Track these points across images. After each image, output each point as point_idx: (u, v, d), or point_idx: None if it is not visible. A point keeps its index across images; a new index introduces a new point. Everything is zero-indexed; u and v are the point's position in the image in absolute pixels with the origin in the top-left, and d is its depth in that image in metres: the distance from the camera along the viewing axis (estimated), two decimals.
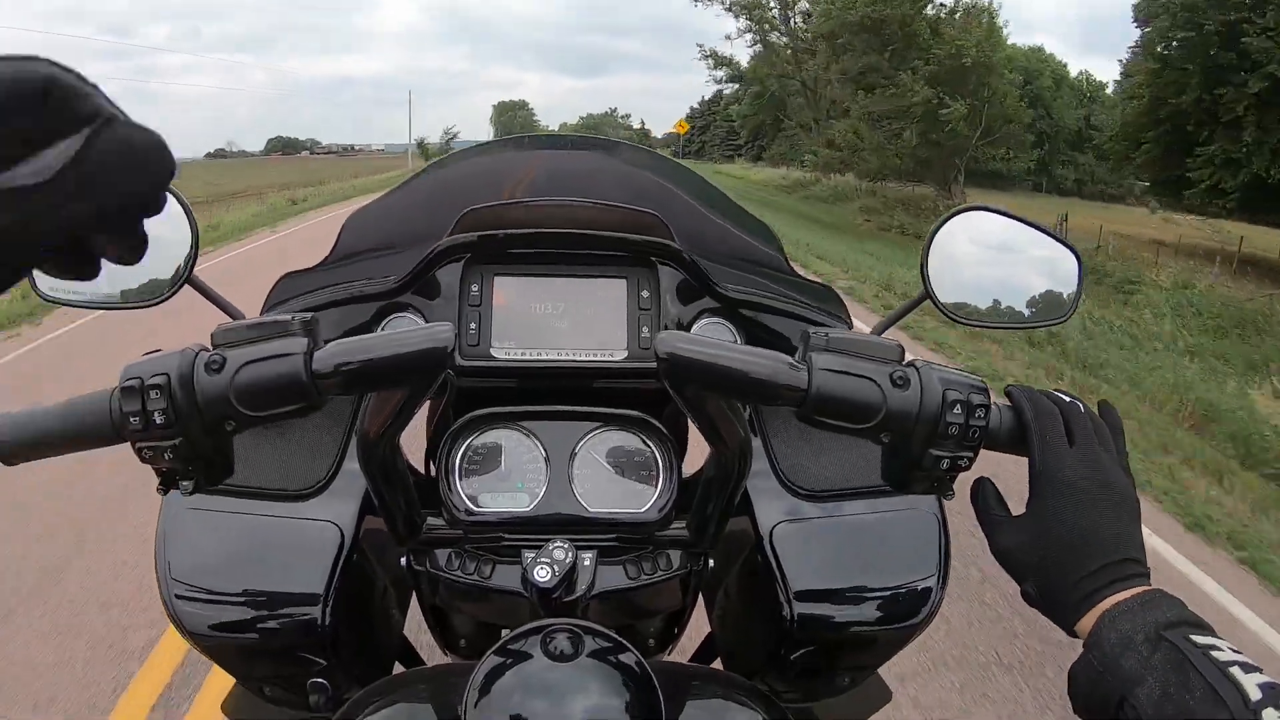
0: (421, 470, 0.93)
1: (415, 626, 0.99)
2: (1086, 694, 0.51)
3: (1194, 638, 0.48)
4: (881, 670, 0.89)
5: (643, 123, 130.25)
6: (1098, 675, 0.50)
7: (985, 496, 0.62)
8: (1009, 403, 0.61)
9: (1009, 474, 0.61)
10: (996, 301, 0.77)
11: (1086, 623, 0.53)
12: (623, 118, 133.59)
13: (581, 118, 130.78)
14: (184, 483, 0.58)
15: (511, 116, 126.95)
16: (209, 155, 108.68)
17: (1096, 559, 0.54)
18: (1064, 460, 0.57)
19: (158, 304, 0.74)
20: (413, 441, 0.78)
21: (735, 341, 0.88)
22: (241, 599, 0.75)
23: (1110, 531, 0.55)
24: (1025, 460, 0.59)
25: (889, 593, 0.80)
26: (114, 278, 0.72)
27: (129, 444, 0.55)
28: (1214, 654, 0.46)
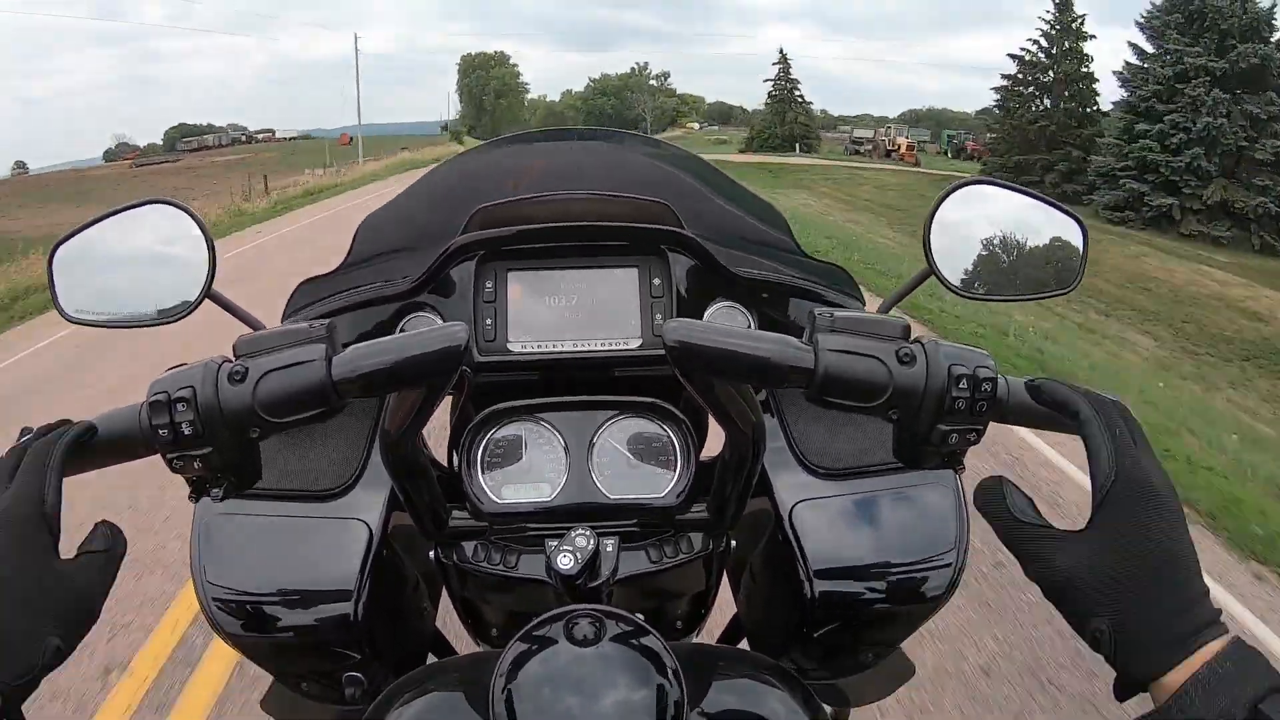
0: (445, 464, 0.95)
1: (447, 618, 1.01)
2: None
3: None
4: (904, 645, 0.89)
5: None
6: None
7: (1009, 503, 0.53)
8: (1030, 390, 0.58)
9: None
10: (1001, 273, 0.77)
11: (1173, 679, 0.45)
12: (656, 77, 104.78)
13: (592, 80, 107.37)
14: (214, 490, 0.60)
15: (482, 77, 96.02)
16: (16, 164, 73.38)
17: (1184, 591, 0.46)
18: (1140, 463, 0.49)
19: (180, 320, 0.76)
20: (438, 434, 0.80)
21: (749, 325, 0.89)
22: (276, 598, 0.77)
23: (1193, 556, 0.47)
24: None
25: (909, 568, 0.81)
26: (137, 296, 0.75)
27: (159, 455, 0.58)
28: None
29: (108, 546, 0.53)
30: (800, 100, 60.66)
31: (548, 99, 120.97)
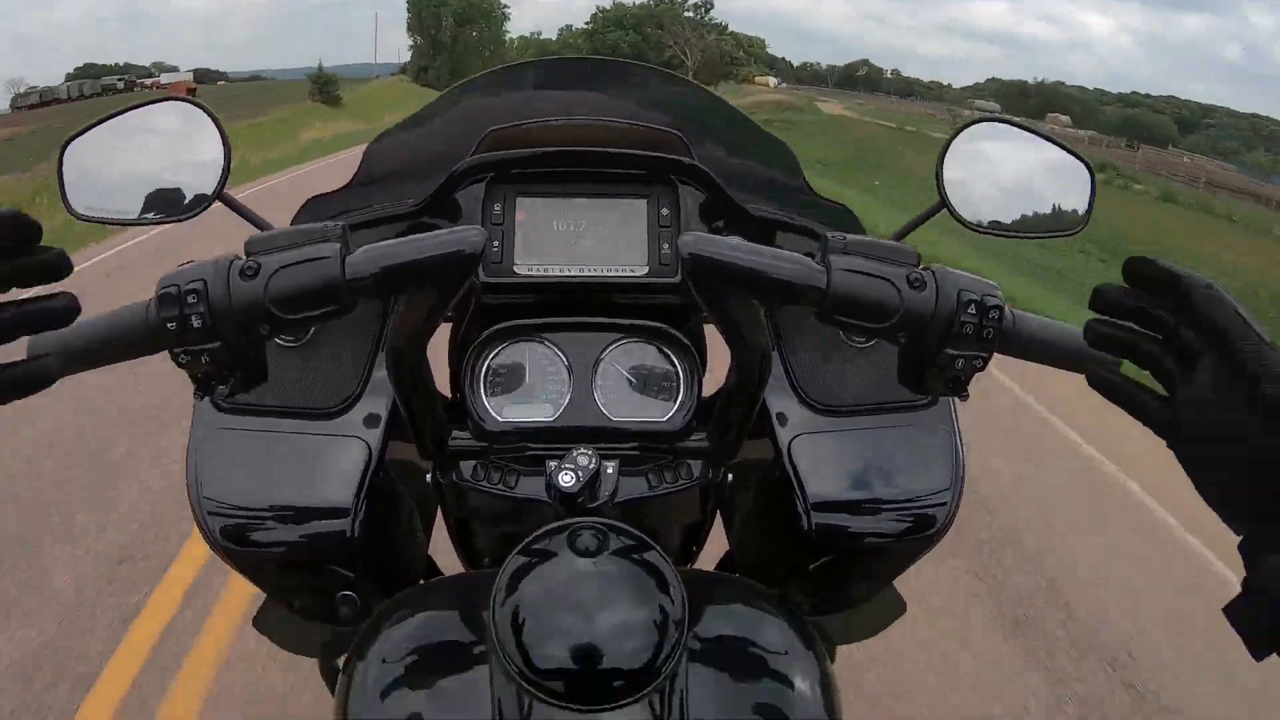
0: (446, 395, 0.96)
1: (439, 549, 1.02)
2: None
3: None
4: (896, 584, 0.91)
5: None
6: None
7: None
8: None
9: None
10: (1011, 211, 0.79)
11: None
12: (694, 5, 79.91)
13: (601, 10, 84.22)
14: (220, 387, 0.60)
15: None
16: None
17: None
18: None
19: (191, 218, 0.76)
20: (438, 368, 0.80)
21: None
22: (271, 514, 0.78)
23: None
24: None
25: (905, 504, 0.82)
26: (148, 194, 0.74)
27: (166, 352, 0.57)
28: None
29: None
30: None
31: (541, 36, 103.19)
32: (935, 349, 0.60)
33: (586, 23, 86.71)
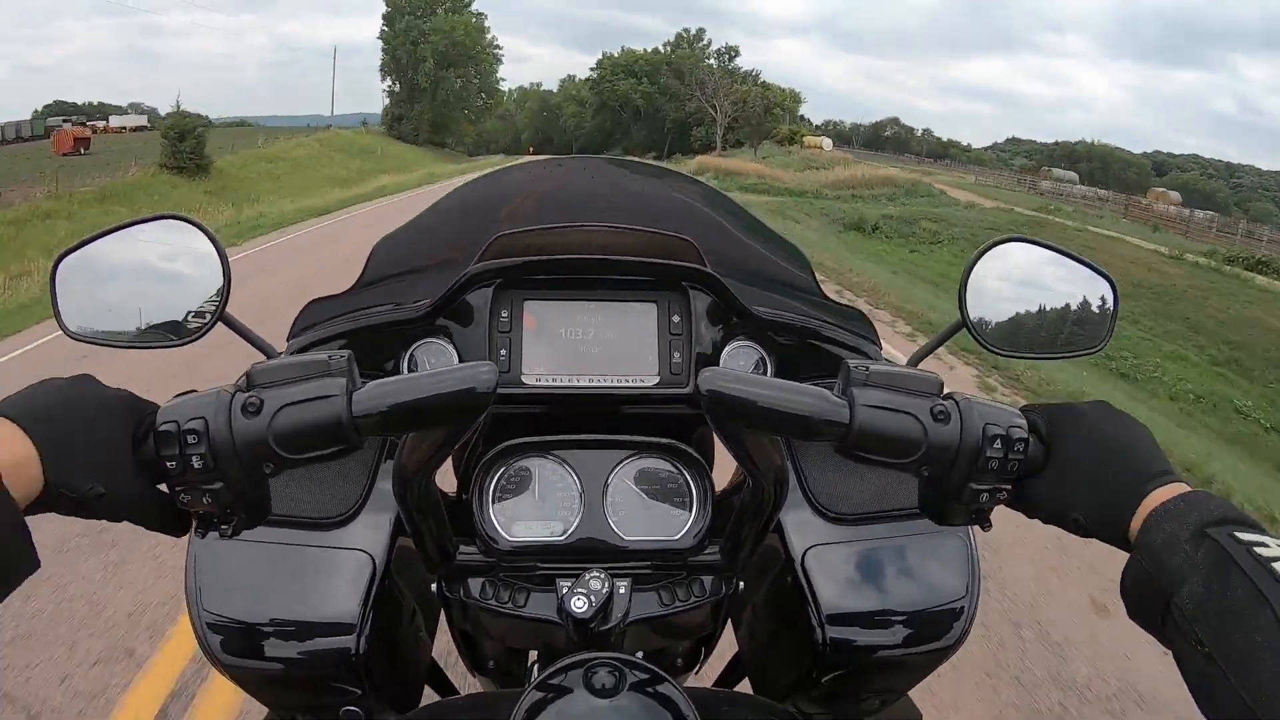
0: (451, 492, 0.93)
1: (442, 648, 0.99)
2: (1136, 596, 0.51)
3: (1238, 535, 0.47)
4: (911, 693, 0.89)
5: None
6: (1145, 576, 0.50)
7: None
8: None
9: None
10: (1032, 329, 0.77)
11: (1135, 525, 0.53)
12: (719, 53, 68.57)
13: (609, 56, 71.73)
14: (222, 526, 0.57)
15: (414, 28, 57.04)
16: None
17: (1130, 469, 0.55)
18: (1074, 409, 0.60)
19: (191, 342, 0.73)
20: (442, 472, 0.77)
21: (766, 365, 0.89)
22: (273, 629, 0.75)
23: (1136, 449, 0.56)
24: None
25: (920, 615, 0.80)
26: (144, 314, 0.72)
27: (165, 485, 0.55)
28: (1258, 550, 0.45)
29: None
30: None
31: (542, 88, 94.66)
32: (960, 484, 0.59)
33: (592, 69, 76.25)
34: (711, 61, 67.22)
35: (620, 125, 68.17)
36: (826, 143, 60.52)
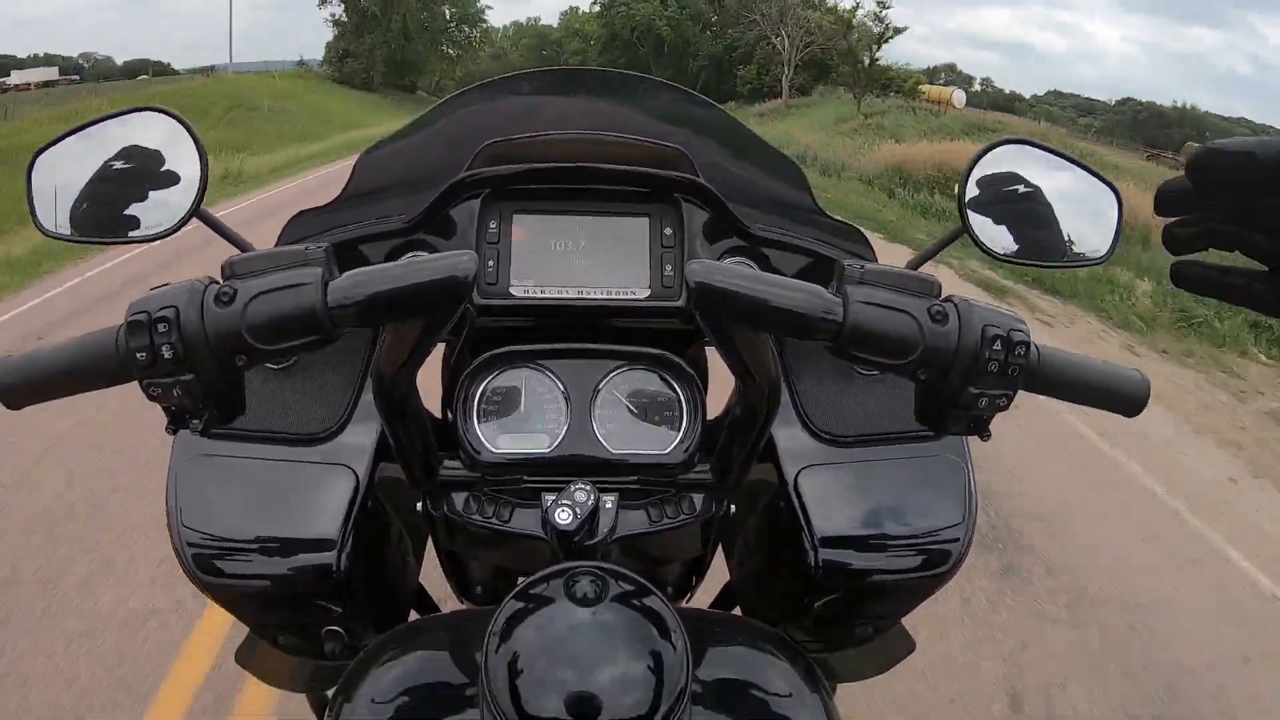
0: (438, 416, 0.92)
1: (430, 573, 0.98)
2: None
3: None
4: (905, 620, 0.88)
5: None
6: None
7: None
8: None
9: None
10: (1034, 236, 0.75)
11: None
12: None
13: None
14: (194, 421, 0.56)
15: None
16: None
17: None
18: None
19: (166, 237, 0.72)
20: (430, 388, 0.76)
21: None
22: (255, 546, 0.74)
23: None
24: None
25: (915, 541, 0.79)
26: (120, 210, 0.70)
27: (136, 383, 0.53)
28: None
29: None
30: None
31: (540, 22, 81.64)
32: (958, 387, 0.57)
33: (591, 4, 61.90)
34: None
35: (637, 63, 50.97)
36: (959, 97, 41.34)
